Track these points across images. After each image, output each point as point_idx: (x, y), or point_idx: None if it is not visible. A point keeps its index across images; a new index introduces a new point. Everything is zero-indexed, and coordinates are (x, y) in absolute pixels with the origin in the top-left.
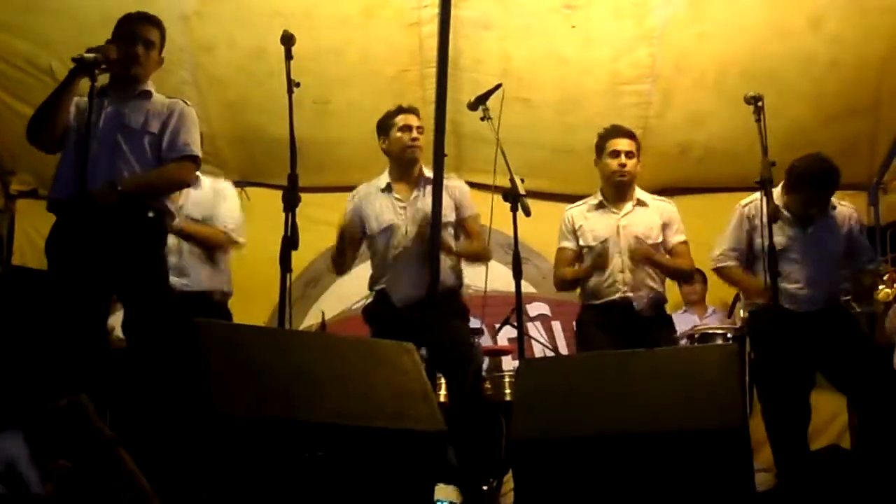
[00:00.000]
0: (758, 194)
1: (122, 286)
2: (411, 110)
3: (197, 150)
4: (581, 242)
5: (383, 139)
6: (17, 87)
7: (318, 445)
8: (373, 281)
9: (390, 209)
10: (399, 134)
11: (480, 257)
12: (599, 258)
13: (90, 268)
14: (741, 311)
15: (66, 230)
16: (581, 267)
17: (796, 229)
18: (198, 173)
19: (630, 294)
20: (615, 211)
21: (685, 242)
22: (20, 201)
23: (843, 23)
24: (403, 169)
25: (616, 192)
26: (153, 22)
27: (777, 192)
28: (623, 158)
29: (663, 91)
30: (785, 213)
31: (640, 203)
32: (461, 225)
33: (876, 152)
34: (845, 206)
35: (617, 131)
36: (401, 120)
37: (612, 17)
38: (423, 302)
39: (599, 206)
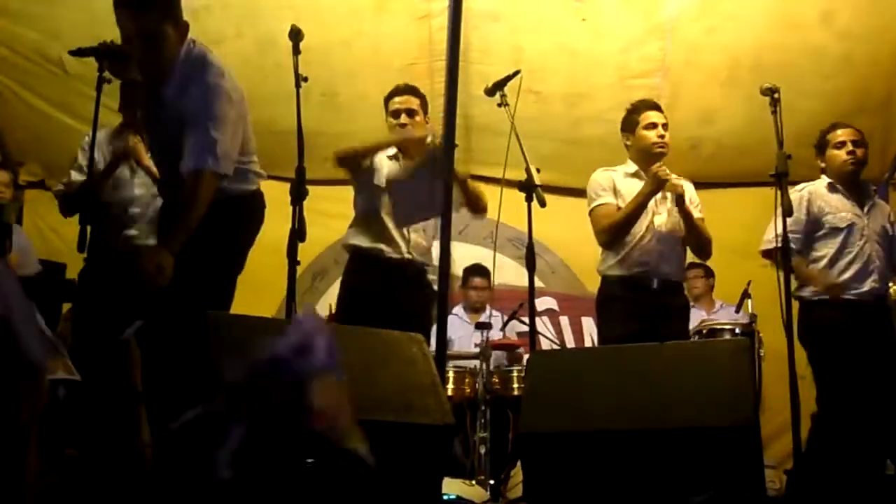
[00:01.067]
0: (806, 184)
1: None
2: (405, 90)
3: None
4: (620, 204)
5: (387, 118)
6: (27, 78)
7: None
8: (356, 235)
9: (395, 173)
10: (390, 119)
11: (479, 203)
12: (660, 171)
13: None
14: (749, 306)
15: None
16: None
17: (856, 207)
18: None
19: (665, 268)
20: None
21: (703, 219)
22: (28, 191)
23: (855, 17)
24: (405, 151)
25: (649, 164)
26: (150, 6)
27: (823, 183)
28: (661, 129)
29: (673, 85)
30: (840, 187)
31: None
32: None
33: (887, 148)
34: (881, 201)
35: (647, 104)
36: (392, 104)
37: (622, 10)
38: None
39: (636, 175)
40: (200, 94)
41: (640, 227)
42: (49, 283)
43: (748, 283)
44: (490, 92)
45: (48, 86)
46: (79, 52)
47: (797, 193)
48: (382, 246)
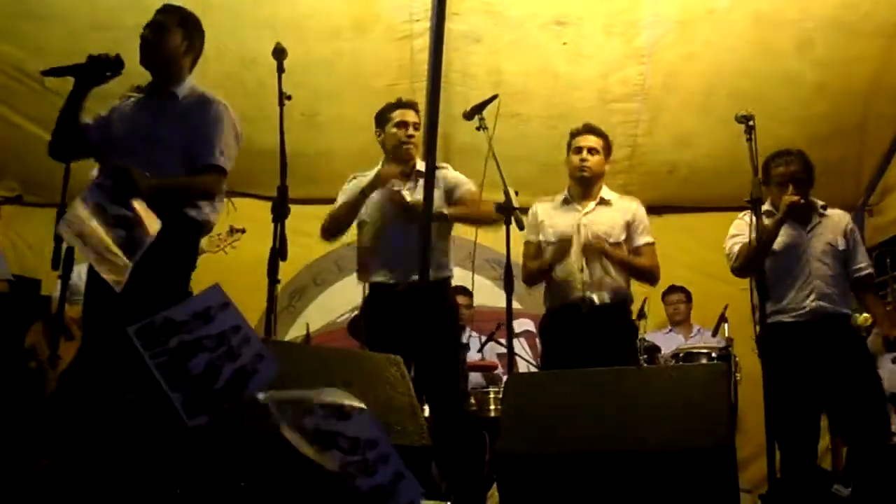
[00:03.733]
0: (747, 211)
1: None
2: (409, 105)
3: (224, 160)
4: (541, 238)
5: (379, 132)
6: (6, 94)
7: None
8: (363, 271)
9: (384, 201)
10: (394, 130)
11: (485, 219)
12: (559, 247)
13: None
14: (726, 330)
15: None
16: (543, 259)
17: (797, 229)
18: None
19: (589, 293)
20: (578, 208)
21: (651, 244)
22: (5, 207)
23: (830, 46)
24: (397, 162)
25: (580, 188)
26: (171, 9)
27: (766, 205)
28: (585, 154)
29: (652, 110)
30: (777, 212)
31: (604, 202)
32: (461, 202)
33: (861, 174)
34: (837, 211)
35: (586, 128)
36: (397, 115)
37: (602, 35)
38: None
39: (565, 202)
40: (215, 112)
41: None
42: (23, 298)
43: (725, 307)
44: (468, 116)
45: (26, 101)
46: (53, 72)
47: (740, 221)
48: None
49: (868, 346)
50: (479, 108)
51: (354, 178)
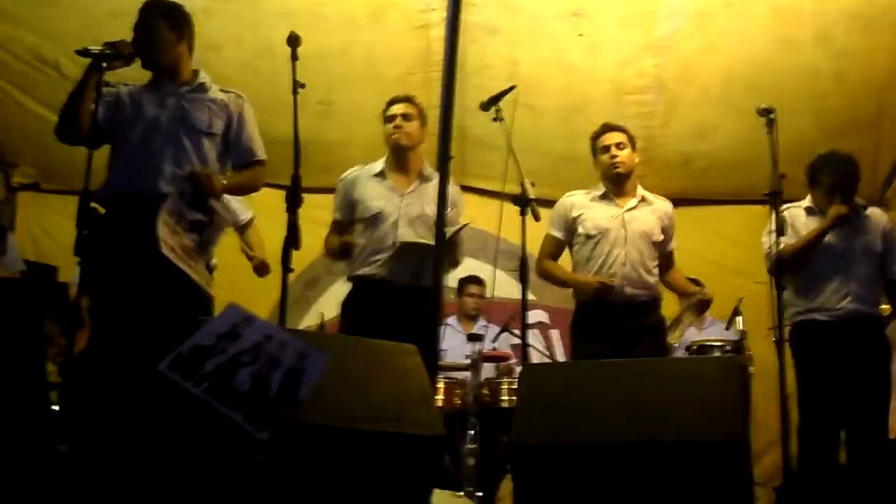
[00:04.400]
0: (788, 205)
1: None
2: (401, 99)
3: (263, 153)
4: (580, 230)
5: (383, 131)
6: (23, 81)
7: (314, 447)
8: (353, 267)
9: (381, 196)
10: (386, 125)
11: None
12: (591, 286)
13: (138, 271)
14: (740, 323)
15: (119, 225)
16: (574, 274)
17: (838, 229)
18: None
19: (627, 290)
20: (620, 204)
21: (673, 250)
22: (22, 194)
23: (849, 38)
24: (397, 157)
25: (616, 186)
26: (155, 5)
27: (807, 201)
28: (614, 150)
29: (668, 101)
30: (819, 213)
31: (644, 200)
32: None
33: (879, 168)
34: (876, 210)
35: (605, 127)
36: (388, 111)
37: (619, 26)
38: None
39: (604, 196)
40: (249, 108)
41: (602, 254)
42: (39, 285)
43: (739, 301)
44: (485, 107)
45: (43, 88)
46: (85, 53)
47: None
48: (372, 270)
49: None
50: (495, 99)
51: (348, 175)
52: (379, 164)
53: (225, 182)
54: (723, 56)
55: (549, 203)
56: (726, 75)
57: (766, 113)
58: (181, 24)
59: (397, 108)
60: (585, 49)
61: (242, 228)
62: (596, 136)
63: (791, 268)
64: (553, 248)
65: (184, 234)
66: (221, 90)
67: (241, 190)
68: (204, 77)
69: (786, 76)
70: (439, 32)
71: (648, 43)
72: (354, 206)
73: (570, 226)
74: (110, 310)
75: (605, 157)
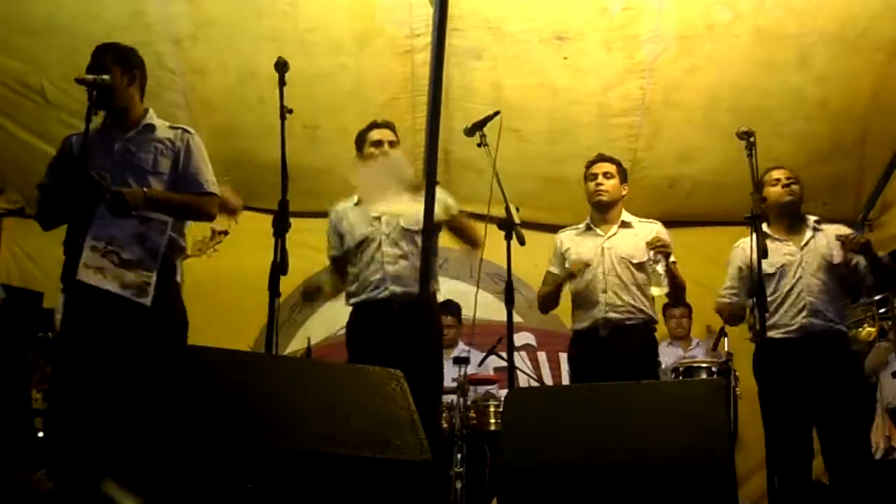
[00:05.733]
0: (742, 239)
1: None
2: (384, 125)
3: (215, 187)
4: (567, 265)
5: (358, 155)
6: (8, 107)
7: (302, 473)
8: (350, 295)
9: (364, 222)
10: (371, 149)
11: (474, 240)
12: (574, 267)
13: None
14: (726, 344)
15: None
16: (553, 282)
17: (790, 246)
18: None
19: (612, 315)
20: (600, 233)
21: (674, 263)
22: (7, 219)
23: (831, 61)
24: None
25: (599, 214)
26: (105, 48)
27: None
28: (600, 178)
29: (653, 124)
30: (773, 234)
31: (625, 225)
32: (450, 221)
33: (862, 189)
34: (831, 225)
35: (597, 157)
36: (373, 135)
37: (603, 50)
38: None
39: (587, 229)
40: (197, 143)
41: (588, 284)
42: (25, 312)
43: (724, 322)
44: (469, 132)
45: (29, 114)
46: (84, 82)
47: (735, 249)
48: (368, 295)
49: (870, 359)
50: (480, 125)
51: (335, 210)
52: (355, 196)
53: (155, 194)
54: (706, 79)
55: (535, 226)
56: (710, 98)
57: (745, 136)
58: (132, 67)
59: (387, 135)
60: (570, 73)
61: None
62: (588, 165)
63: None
64: (548, 281)
65: (123, 251)
66: (170, 127)
67: (185, 210)
68: (151, 117)
69: (769, 99)
70: (424, 57)
71: (632, 66)
72: (343, 239)
73: (562, 261)
74: (81, 348)
75: (590, 185)
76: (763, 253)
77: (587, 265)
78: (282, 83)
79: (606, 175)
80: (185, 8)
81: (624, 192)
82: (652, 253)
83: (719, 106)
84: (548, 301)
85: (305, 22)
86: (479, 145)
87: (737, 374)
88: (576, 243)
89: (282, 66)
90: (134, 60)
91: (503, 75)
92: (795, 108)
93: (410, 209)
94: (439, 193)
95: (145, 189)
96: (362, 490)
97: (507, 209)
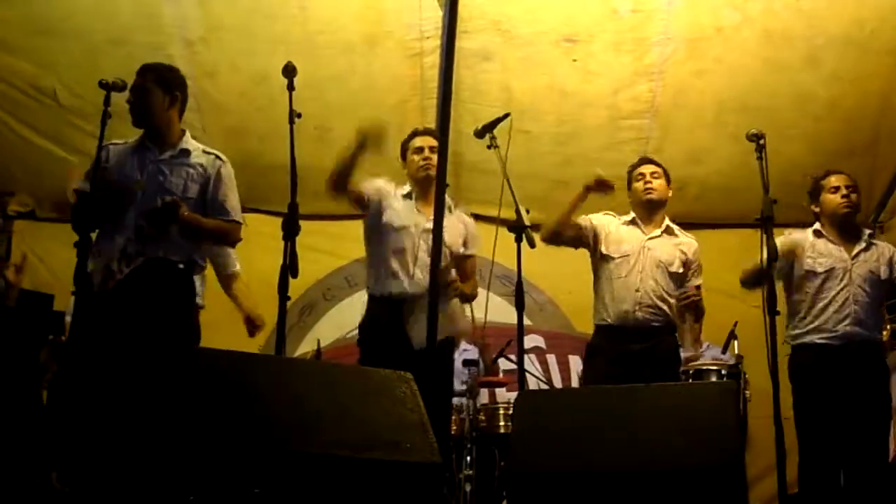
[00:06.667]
0: (793, 230)
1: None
2: (426, 132)
3: (240, 216)
4: (603, 249)
5: (403, 163)
6: (19, 110)
7: (312, 475)
8: (374, 281)
9: (412, 214)
10: (413, 156)
11: (468, 299)
12: (599, 182)
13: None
14: (735, 347)
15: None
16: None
17: (842, 251)
18: None
19: (640, 314)
20: (644, 231)
21: (699, 287)
22: (18, 222)
23: (840, 63)
24: (422, 189)
25: (646, 212)
26: (147, 68)
27: (809, 230)
28: (648, 177)
29: (662, 127)
30: (827, 235)
31: (669, 231)
32: (459, 262)
33: (873, 191)
34: (884, 243)
35: (642, 160)
36: (415, 142)
37: (612, 52)
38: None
39: (632, 222)
40: (227, 172)
41: (619, 276)
42: (36, 314)
43: (734, 324)
44: (479, 134)
45: (40, 117)
46: (105, 86)
47: (782, 238)
48: (389, 288)
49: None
50: (490, 127)
51: (379, 181)
52: (408, 188)
53: (189, 217)
54: (715, 81)
55: None
56: (719, 100)
57: (755, 138)
58: (173, 88)
59: (428, 141)
60: (579, 75)
61: (227, 279)
62: (633, 168)
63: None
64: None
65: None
66: (204, 151)
67: (216, 235)
68: (187, 141)
69: (779, 101)
70: (433, 60)
71: (642, 69)
72: (381, 204)
73: (593, 233)
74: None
75: (639, 185)
76: (773, 255)
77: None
78: (290, 88)
79: (654, 175)
80: (196, 11)
81: (669, 194)
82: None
83: (728, 108)
84: (553, 226)
85: (315, 25)
86: (489, 147)
87: (747, 376)
88: (617, 230)
89: (290, 71)
90: (175, 81)
91: (512, 77)
92: (804, 110)
93: (454, 228)
94: (469, 223)
95: (185, 212)
96: (372, 492)
97: (518, 211)
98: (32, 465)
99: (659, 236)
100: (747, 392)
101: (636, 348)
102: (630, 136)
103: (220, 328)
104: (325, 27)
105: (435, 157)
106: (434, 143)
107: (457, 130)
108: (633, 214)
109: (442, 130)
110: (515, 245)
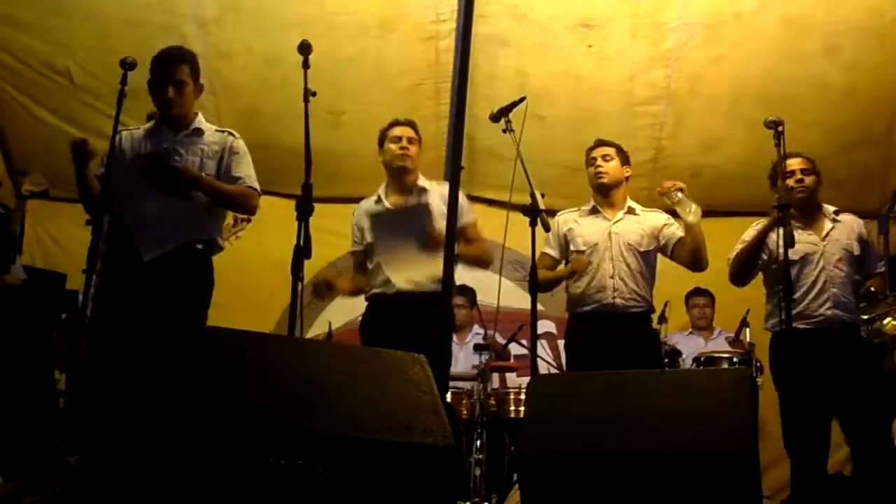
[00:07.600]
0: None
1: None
2: (406, 122)
3: (256, 184)
4: (571, 247)
5: (380, 152)
6: (33, 89)
7: (325, 455)
8: (369, 289)
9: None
10: (390, 145)
11: (481, 262)
12: (578, 263)
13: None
14: (748, 334)
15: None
16: (560, 269)
17: (813, 234)
18: None
19: (619, 301)
20: (608, 217)
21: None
22: (31, 201)
23: (858, 50)
24: (396, 179)
25: (603, 197)
26: (181, 59)
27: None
28: (599, 161)
29: (677, 113)
30: (797, 225)
31: (631, 211)
32: (461, 233)
33: (888, 180)
34: (850, 216)
35: (596, 142)
36: (394, 131)
37: (628, 38)
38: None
39: (593, 210)
40: (241, 147)
41: (592, 267)
42: (49, 292)
43: (747, 312)
44: (495, 118)
45: (55, 97)
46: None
47: (749, 230)
48: (382, 289)
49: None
50: (506, 111)
51: (354, 213)
52: (378, 192)
53: (209, 179)
54: (732, 68)
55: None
56: (735, 87)
57: (773, 125)
58: (199, 77)
59: (407, 131)
60: (595, 60)
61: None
62: (588, 151)
63: (742, 271)
64: (547, 265)
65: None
66: (217, 130)
67: (235, 200)
68: (200, 121)
69: (795, 88)
70: (448, 43)
71: (658, 54)
72: (364, 234)
73: (563, 242)
74: (111, 320)
75: (590, 170)
76: (791, 242)
77: (590, 263)
78: (305, 65)
79: (605, 157)
80: None
81: (627, 174)
82: (670, 192)
83: (744, 95)
84: (544, 287)
85: (330, 6)
86: (504, 131)
87: (759, 364)
88: (580, 225)
89: (305, 49)
90: (198, 67)
91: (528, 62)
92: (821, 97)
93: (436, 208)
94: (444, 192)
95: (204, 173)
96: (385, 473)
97: (533, 195)
98: (42, 442)
99: (622, 219)
100: (759, 379)
101: (616, 334)
102: (645, 122)
103: (232, 310)
104: (340, 9)
105: (413, 148)
106: (413, 133)
107: (471, 115)
108: (592, 202)
109: (457, 115)
110: (530, 229)
